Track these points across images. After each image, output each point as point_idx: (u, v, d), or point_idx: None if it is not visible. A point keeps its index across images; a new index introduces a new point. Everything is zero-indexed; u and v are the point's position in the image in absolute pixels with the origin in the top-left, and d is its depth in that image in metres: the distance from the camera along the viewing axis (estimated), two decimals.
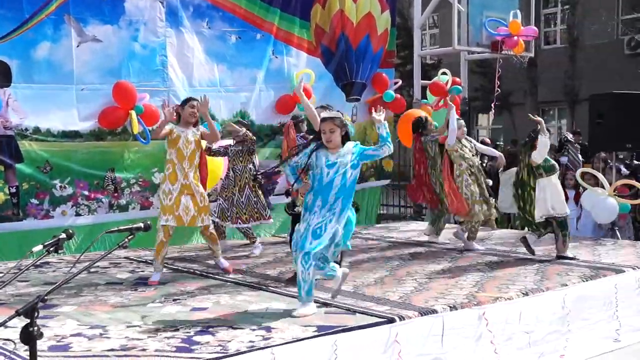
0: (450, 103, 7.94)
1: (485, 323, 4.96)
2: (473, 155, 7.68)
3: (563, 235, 6.88)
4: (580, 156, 11.49)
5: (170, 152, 6.11)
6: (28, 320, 2.72)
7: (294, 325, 4.50)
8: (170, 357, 3.92)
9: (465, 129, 7.81)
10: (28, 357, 2.79)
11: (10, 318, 2.71)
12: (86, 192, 7.69)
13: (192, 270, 6.52)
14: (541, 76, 21.56)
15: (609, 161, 10.10)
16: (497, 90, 10.61)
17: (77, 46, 7.58)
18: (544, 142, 6.77)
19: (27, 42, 7.25)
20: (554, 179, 6.96)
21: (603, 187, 8.52)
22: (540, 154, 6.80)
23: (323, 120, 4.91)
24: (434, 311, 4.84)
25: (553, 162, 7.10)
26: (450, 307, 4.95)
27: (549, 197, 6.81)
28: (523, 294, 5.39)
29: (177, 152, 6.09)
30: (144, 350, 4.04)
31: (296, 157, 4.95)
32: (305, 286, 4.81)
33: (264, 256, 7.36)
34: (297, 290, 4.90)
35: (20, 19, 7.19)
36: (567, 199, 9.15)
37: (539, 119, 7.07)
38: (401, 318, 4.63)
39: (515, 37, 10.48)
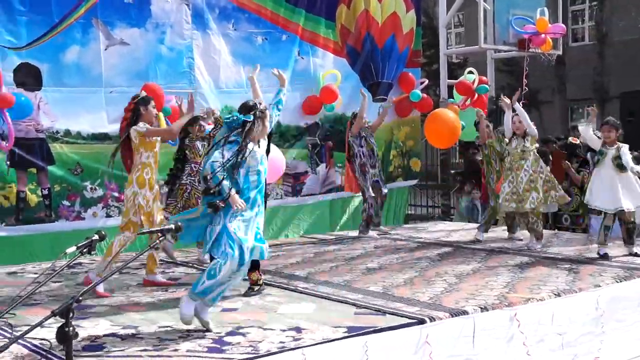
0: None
1: (517, 324, 4.90)
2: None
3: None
4: None
5: (148, 155, 5.74)
6: (63, 321, 2.76)
7: (325, 326, 4.49)
8: (202, 357, 3.94)
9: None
10: (64, 357, 2.83)
11: (47, 318, 2.75)
12: (116, 194, 7.76)
13: None
14: (569, 74, 21.30)
15: None
16: (525, 89, 10.49)
17: (105, 49, 7.67)
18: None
19: (56, 46, 7.36)
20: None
21: None
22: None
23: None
24: (465, 312, 4.79)
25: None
26: (481, 308, 4.90)
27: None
28: (555, 294, 5.31)
29: (155, 156, 5.81)
30: (175, 350, 4.06)
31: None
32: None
33: (292, 257, 7.36)
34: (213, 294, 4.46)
35: (50, 24, 7.31)
36: None
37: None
38: (432, 319, 4.59)
39: (543, 35, 10.36)
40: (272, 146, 7.77)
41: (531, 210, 7.42)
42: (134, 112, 5.75)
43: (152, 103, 5.83)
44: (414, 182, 10.98)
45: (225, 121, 4.53)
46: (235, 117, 4.47)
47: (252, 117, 4.49)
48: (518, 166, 7.44)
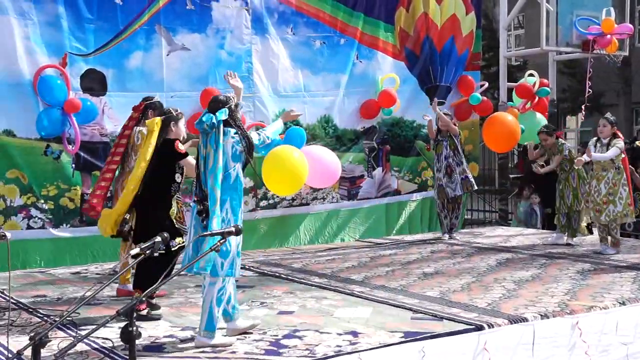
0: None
1: (579, 333, 4.78)
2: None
3: None
4: None
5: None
6: (127, 321, 2.83)
7: (381, 330, 4.48)
8: (259, 359, 3.98)
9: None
10: (127, 356, 2.90)
11: (112, 318, 2.83)
12: (179, 196, 7.90)
13: (277, 274, 6.60)
14: (635, 76, 20.61)
15: None
16: (589, 91, 10.22)
17: (167, 55, 7.85)
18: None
19: (121, 52, 7.56)
20: None
21: None
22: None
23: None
24: (524, 319, 4.71)
25: None
26: (542, 315, 4.81)
27: None
28: (620, 303, 5.17)
29: None
30: (233, 352, 4.12)
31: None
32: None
33: (348, 260, 7.37)
34: (212, 319, 4.26)
35: (115, 30, 7.51)
36: None
37: None
38: (490, 325, 4.53)
39: (608, 36, 10.07)
40: (328, 150, 7.82)
41: (607, 223, 7.41)
42: (143, 113, 5.73)
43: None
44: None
45: (203, 130, 4.35)
46: (210, 120, 4.29)
47: (228, 111, 4.35)
48: (599, 177, 7.42)
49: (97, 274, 6.66)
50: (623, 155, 7.45)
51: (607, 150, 7.34)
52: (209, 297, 4.25)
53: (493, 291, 5.65)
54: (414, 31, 9.67)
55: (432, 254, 7.73)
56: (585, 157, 7.34)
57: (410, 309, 5.06)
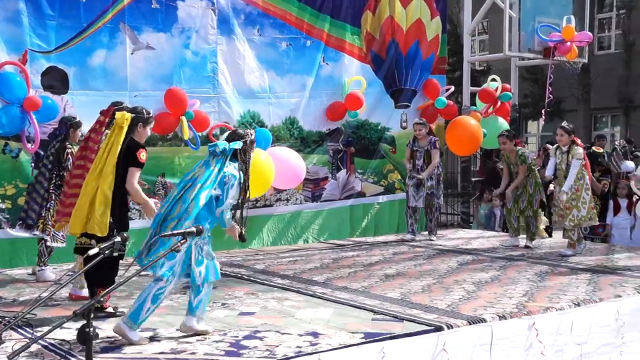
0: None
1: (536, 333, 4.87)
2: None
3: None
4: (629, 163, 11.15)
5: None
6: (84, 322, 2.81)
7: (342, 331, 4.51)
8: None
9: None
10: (84, 358, 2.88)
11: (69, 319, 2.80)
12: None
13: (239, 275, 6.59)
14: (594, 83, 21.09)
15: None
16: (549, 97, 10.42)
17: (132, 54, 7.77)
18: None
19: (84, 50, 7.47)
20: None
21: None
22: None
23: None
24: (483, 320, 4.79)
25: None
26: (500, 316, 4.89)
27: None
28: (575, 304, 5.28)
29: None
30: (193, 353, 4.11)
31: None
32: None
33: (311, 262, 7.39)
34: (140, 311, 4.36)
35: (78, 28, 7.42)
36: (619, 208, 8.99)
37: None
38: (449, 326, 4.59)
39: (569, 43, 10.29)
40: (293, 152, 7.84)
41: (571, 228, 7.60)
42: (112, 117, 5.28)
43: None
44: None
45: (214, 152, 4.49)
46: (224, 147, 4.47)
47: (243, 145, 4.56)
48: (563, 183, 7.59)
49: (36, 280, 6.54)
50: (584, 162, 7.61)
51: (567, 155, 7.53)
52: (148, 291, 4.34)
53: (453, 293, 5.73)
54: (380, 34, 9.74)
55: (394, 255, 7.80)
56: (563, 197, 7.50)
57: (371, 310, 5.10)
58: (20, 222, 6.69)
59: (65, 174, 6.20)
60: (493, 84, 10.02)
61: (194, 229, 3.44)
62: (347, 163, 9.60)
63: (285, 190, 8.72)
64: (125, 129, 4.92)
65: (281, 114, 8.90)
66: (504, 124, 9.68)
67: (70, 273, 6.57)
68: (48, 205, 6.34)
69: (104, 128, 5.37)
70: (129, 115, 4.98)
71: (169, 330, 4.60)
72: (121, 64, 7.70)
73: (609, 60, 21.41)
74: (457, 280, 6.26)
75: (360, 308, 5.19)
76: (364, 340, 4.32)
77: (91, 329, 2.80)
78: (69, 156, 6.36)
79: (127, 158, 4.91)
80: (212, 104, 8.27)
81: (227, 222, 4.51)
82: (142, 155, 4.94)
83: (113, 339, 4.38)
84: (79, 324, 2.81)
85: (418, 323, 4.69)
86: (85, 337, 2.81)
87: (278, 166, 7.69)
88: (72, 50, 7.39)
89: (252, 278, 6.43)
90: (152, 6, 7.90)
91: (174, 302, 5.48)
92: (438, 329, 4.55)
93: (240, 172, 4.50)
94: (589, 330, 5.16)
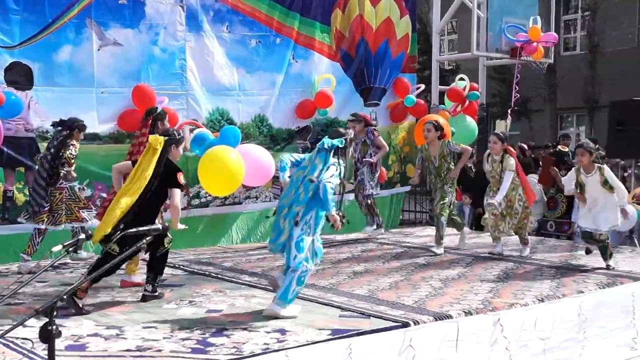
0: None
1: (501, 329, 4.94)
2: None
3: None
4: None
5: None
6: (47, 320, 2.77)
7: (309, 328, 4.52)
8: (186, 358, 3.96)
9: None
10: (46, 356, 2.84)
11: (30, 316, 2.77)
12: (104, 194, 7.75)
13: (207, 273, 6.56)
14: (560, 82, 21.44)
15: (628, 168, 10.01)
16: (516, 96, 10.57)
17: (98, 50, 7.67)
18: None
19: (49, 45, 7.35)
20: None
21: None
22: None
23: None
24: (449, 316, 4.84)
25: None
26: (465, 312, 4.95)
27: None
28: (539, 300, 5.37)
29: None
30: (159, 351, 4.08)
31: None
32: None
33: (279, 259, 7.38)
34: (290, 293, 4.86)
35: (43, 23, 7.29)
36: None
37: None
38: (416, 323, 4.63)
39: (535, 43, 10.44)
40: (262, 149, 7.82)
41: (507, 232, 7.56)
42: (153, 125, 6.23)
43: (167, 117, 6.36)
44: (409, 188, 10.98)
45: (321, 147, 5.04)
46: (329, 144, 5.04)
47: (344, 142, 5.12)
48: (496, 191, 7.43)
49: (19, 273, 6.46)
50: (516, 173, 7.40)
51: (500, 165, 7.37)
52: (293, 274, 4.83)
53: (420, 289, 5.78)
54: (350, 33, 9.77)
55: (362, 253, 7.84)
56: (494, 206, 7.33)
57: (338, 307, 5.12)
58: (27, 215, 6.96)
59: (63, 168, 6.68)
60: (461, 83, 10.11)
61: (159, 227, 3.41)
62: None
63: (255, 188, 8.69)
64: (160, 150, 5.33)
65: (250, 112, 8.87)
66: (471, 122, 9.78)
67: (33, 270, 6.48)
68: (50, 198, 6.71)
69: (146, 139, 5.83)
70: (162, 139, 5.39)
71: (134, 328, 4.56)
72: (87, 60, 7.60)
73: (575, 61, 21.78)
74: (424, 277, 6.32)
75: (328, 305, 5.21)
76: (331, 336, 4.34)
77: (54, 327, 2.77)
78: (70, 152, 6.76)
79: (168, 180, 5.36)
80: (180, 101, 8.21)
81: (332, 210, 4.97)
82: (181, 177, 5.43)
83: (77, 337, 4.33)
84: (42, 322, 2.77)
85: (385, 319, 4.72)
86: (47, 335, 2.78)
87: (247, 164, 7.65)
88: (37, 46, 7.27)
89: (220, 276, 6.41)
90: (119, 2, 7.80)
91: (140, 299, 5.43)
92: (405, 325, 4.59)
93: (340, 166, 5.05)
94: (553, 326, 5.25)
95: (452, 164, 7.82)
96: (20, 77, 7.20)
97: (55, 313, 2.79)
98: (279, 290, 4.92)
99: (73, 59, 7.52)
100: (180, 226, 5.54)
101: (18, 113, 7.07)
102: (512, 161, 7.39)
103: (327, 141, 5.04)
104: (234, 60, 8.72)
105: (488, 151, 7.64)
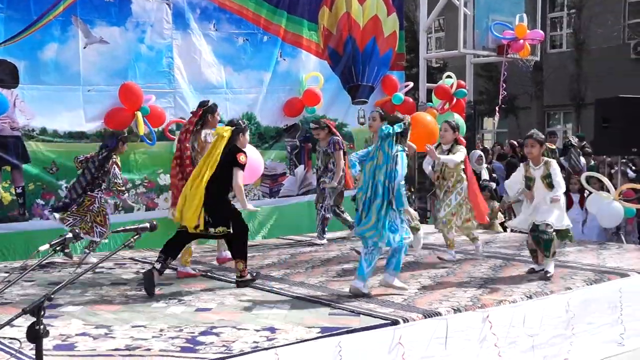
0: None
1: (489, 326, 4.96)
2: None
3: None
4: (582, 160, 11.49)
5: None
6: (34, 319, 2.75)
7: (299, 326, 4.51)
8: (175, 357, 3.94)
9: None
10: (34, 356, 2.82)
11: (17, 316, 2.74)
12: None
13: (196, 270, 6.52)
14: (547, 80, 21.56)
15: (615, 165, 10.09)
16: (503, 94, 10.62)
17: (84, 47, 7.63)
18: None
19: (34, 43, 7.30)
20: None
21: (608, 191, 8.51)
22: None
23: None
24: (438, 314, 4.84)
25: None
26: (454, 309, 4.95)
27: None
28: (527, 297, 5.39)
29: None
30: (148, 350, 4.06)
31: None
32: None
33: (268, 257, 7.37)
34: (400, 264, 5.55)
35: (28, 21, 7.24)
36: (571, 203, 9.20)
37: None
38: (405, 320, 4.64)
39: (521, 41, 10.49)
40: (251, 147, 7.80)
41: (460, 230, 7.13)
42: (202, 118, 6.33)
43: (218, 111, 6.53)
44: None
45: (383, 135, 5.36)
46: (389, 130, 5.34)
47: (403, 127, 5.38)
48: (441, 186, 7.04)
49: (6, 272, 6.40)
50: (464, 165, 6.99)
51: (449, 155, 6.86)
52: (400, 250, 5.41)
53: (409, 287, 5.78)
54: (337, 30, 9.76)
55: (351, 251, 7.83)
56: (426, 164, 7.03)
57: (328, 305, 5.12)
58: (52, 209, 7.08)
59: (104, 179, 6.95)
60: (448, 81, 10.15)
61: (147, 225, 3.39)
62: (305, 159, 9.61)
63: (245, 185, 8.65)
64: (227, 138, 5.74)
65: (238, 110, 8.84)
66: (459, 120, 9.81)
67: (20, 270, 6.43)
68: (80, 201, 6.87)
69: (192, 127, 6.27)
70: (228, 128, 5.81)
71: (123, 327, 4.53)
72: (74, 58, 7.56)
73: (561, 59, 21.92)
74: (414, 275, 6.33)
75: (318, 303, 5.20)
76: (320, 334, 4.33)
77: (41, 327, 2.74)
78: (113, 165, 6.99)
79: (231, 160, 5.71)
80: (168, 99, 8.18)
81: (404, 200, 5.35)
82: (242, 157, 5.74)
83: (65, 337, 4.30)
84: (30, 322, 2.75)
85: (374, 317, 4.72)
86: (35, 335, 2.75)
87: None
88: (22, 44, 7.22)
89: (209, 274, 6.39)
90: None
91: (129, 299, 5.41)
92: (394, 322, 4.59)
93: (403, 152, 5.36)
94: (541, 322, 5.28)
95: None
96: (5, 75, 7.15)
97: (42, 312, 2.76)
98: (389, 265, 5.49)
99: (59, 57, 7.47)
100: (250, 206, 5.98)
101: (4, 111, 7.02)
102: (463, 149, 6.94)
103: (387, 128, 5.32)
104: (221, 58, 8.69)
105: (436, 143, 7.19)
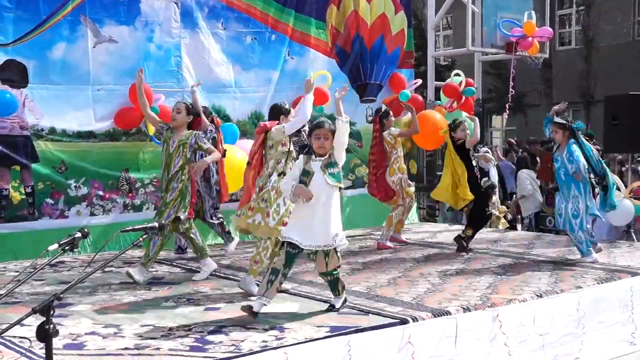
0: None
1: (499, 325, 4.94)
2: None
3: None
4: None
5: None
6: (44, 319, 2.75)
7: (307, 325, 4.51)
8: (184, 356, 3.94)
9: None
10: (44, 355, 2.82)
11: (27, 315, 2.74)
12: (101, 192, 7.74)
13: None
14: (556, 77, 21.47)
15: (625, 163, 10.02)
16: (512, 92, 10.57)
17: (93, 47, 7.65)
18: None
19: (43, 43, 7.32)
20: None
21: (619, 189, 8.44)
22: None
23: None
24: (448, 313, 4.82)
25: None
26: (464, 308, 4.93)
27: None
28: (537, 295, 5.36)
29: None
30: (157, 349, 4.06)
31: None
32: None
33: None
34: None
35: (37, 20, 7.26)
36: None
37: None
38: (414, 319, 4.62)
39: (530, 38, 10.44)
40: None
41: None
42: (380, 124, 7.59)
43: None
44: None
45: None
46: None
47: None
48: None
49: (16, 271, 6.44)
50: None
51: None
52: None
53: (418, 286, 5.77)
54: (345, 29, 9.74)
55: (360, 249, 7.83)
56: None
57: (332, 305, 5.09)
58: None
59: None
60: (457, 79, 10.10)
61: (155, 225, 3.39)
62: None
63: None
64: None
65: (247, 109, 8.84)
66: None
67: (30, 270, 6.45)
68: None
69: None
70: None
71: (133, 326, 4.54)
72: (83, 57, 7.57)
73: (570, 56, 21.82)
74: (423, 273, 6.31)
75: (326, 302, 5.19)
76: (329, 334, 4.32)
77: (51, 326, 2.75)
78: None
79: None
80: (177, 98, 8.11)
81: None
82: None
83: (75, 336, 4.31)
84: (40, 321, 2.76)
85: (383, 316, 4.70)
86: (44, 334, 2.76)
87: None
88: (31, 43, 7.24)
89: (218, 273, 6.39)
90: None
91: (137, 298, 5.42)
92: (403, 321, 4.58)
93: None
94: (551, 321, 5.25)
95: None
96: (14, 75, 7.17)
97: (52, 312, 2.77)
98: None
99: (68, 57, 7.49)
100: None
101: (13, 111, 7.05)
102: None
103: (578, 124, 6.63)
104: (229, 57, 8.69)
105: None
